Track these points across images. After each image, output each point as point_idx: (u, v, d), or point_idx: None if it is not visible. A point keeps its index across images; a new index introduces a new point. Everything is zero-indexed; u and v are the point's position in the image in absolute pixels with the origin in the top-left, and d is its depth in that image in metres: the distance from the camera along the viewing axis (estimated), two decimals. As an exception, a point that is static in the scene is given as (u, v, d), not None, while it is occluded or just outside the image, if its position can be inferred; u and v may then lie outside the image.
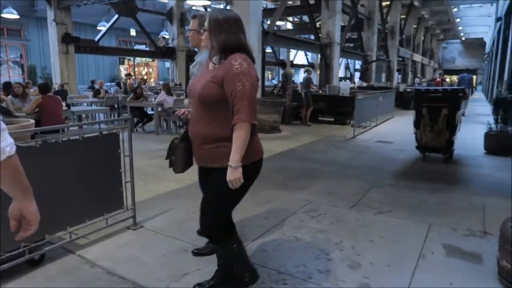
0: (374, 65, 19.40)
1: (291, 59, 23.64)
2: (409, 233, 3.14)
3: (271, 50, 19.47)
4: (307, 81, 9.90)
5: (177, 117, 2.29)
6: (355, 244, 2.91)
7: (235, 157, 1.76)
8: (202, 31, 2.52)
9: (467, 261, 2.65)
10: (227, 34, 1.85)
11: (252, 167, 1.92)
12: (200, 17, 2.62)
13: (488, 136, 6.42)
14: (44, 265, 2.62)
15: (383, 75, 23.06)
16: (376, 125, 9.91)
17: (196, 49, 2.87)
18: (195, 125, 1.96)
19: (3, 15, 11.85)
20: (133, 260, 2.69)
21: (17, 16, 12.72)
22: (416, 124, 5.81)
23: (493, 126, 6.47)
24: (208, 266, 2.51)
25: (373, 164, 5.79)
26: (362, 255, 2.73)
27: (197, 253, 2.76)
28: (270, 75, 27.33)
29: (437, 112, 5.56)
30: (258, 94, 9.46)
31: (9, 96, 6.57)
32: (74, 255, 2.78)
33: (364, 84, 16.52)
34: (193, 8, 15.20)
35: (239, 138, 1.76)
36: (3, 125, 1.06)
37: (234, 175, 1.77)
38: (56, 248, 2.74)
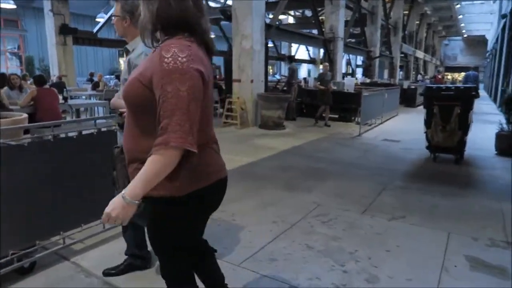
0: (377, 61, 19.15)
1: (292, 53, 23.37)
2: (427, 242, 2.94)
3: (272, 45, 19.20)
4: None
5: (123, 119, 1.67)
6: (371, 254, 2.70)
7: (135, 189, 1.17)
8: (126, 17, 2.11)
9: (493, 276, 2.45)
10: None
11: (196, 196, 1.32)
12: (123, 0, 2.13)
13: (499, 136, 6.21)
14: (35, 274, 2.41)
15: (386, 72, 22.82)
16: (382, 123, 9.70)
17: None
18: (124, 135, 1.42)
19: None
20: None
21: (14, 6, 12.40)
22: (427, 123, 5.59)
23: (505, 126, 6.26)
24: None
25: (381, 164, 5.59)
26: (379, 267, 2.53)
27: None
28: (271, 70, 27.02)
29: (449, 111, 5.34)
30: (261, 89, 9.28)
31: (5, 88, 6.31)
32: (69, 262, 2.58)
33: (368, 81, 16.27)
34: None
35: (152, 167, 1.17)
36: None
37: (119, 212, 1.18)
38: (49, 254, 2.53)
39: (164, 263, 1.52)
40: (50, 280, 2.36)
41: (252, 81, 8.75)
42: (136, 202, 1.18)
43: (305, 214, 3.48)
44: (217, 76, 14.07)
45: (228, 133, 7.73)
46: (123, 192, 1.18)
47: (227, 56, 10.77)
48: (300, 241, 2.91)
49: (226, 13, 10.03)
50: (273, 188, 4.29)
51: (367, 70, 18.73)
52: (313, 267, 2.53)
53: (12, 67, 17.04)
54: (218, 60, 14.19)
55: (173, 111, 1.15)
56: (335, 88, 9.84)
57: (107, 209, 1.20)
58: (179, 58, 1.18)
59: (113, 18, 2.18)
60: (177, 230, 1.39)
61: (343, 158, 5.91)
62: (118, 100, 2.10)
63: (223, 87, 10.83)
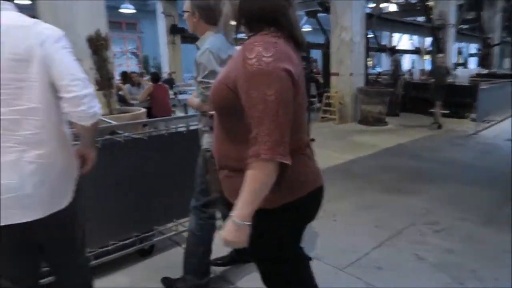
0: (496, 49, 16.76)
1: (394, 44, 21.82)
2: None
3: (372, 35, 18.22)
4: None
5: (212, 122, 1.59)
6: (497, 275, 2.36)
7: (243, 211, 1.08)
8: (196, 12, 1.98)
9: None
10: None
11: (287, 209, 1.22)
12: None
13: None
14: (152, 256, 2.66)
15: (507, 61, 19.83)
16: (502, 120, 8.46)
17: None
18: (214, 140, 1.35)
19: (121, 11, 13.06)
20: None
21: (134, 11, 13.90)
22: None
23: None
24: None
25: (505, 167, 4.84)
26: (510, 291, 2.19)
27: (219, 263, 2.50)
28: (371, 63, 25.63)
29: None
30: (361, 83, 8.84)
31: (127, 85, 7.16)
32: (181, 248, 2.78)
33: (484, 71, 14.34)
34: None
35: (252, 183, 1.07)
36: (92, 90, 1.31)
37: (233, 236, 1.10)
38: (164, 239, 2.77)
39: (260, 272, 1.42)
40: (165, 263, 2.59)
41: (351, 74, 8.41)
42: (248, 223, 1.09)
43: (412, 220, 3.21)
44: (315, 70, 13.86)
45: (326, 129, 7.55)
46: (232, 214, 1.10)
47: (325, 49, 10.52)
48: (408, 250, 2.69)
49: (324, 5, 9.78)
50: (374, 189, 4.06)
51: (484, 60, 16.53)
52: (426, 281, 2.31)
53: (132, 65, 19.26)
54: (316, 53, 13.95)
55: (261, 119, 1.05)
56: (452, 81, 8.77)
57: (223, 234, 1.13)
58: (264, 58, 1.06)
59: (184, 14, 2.10)
60: (265, 243, 1.28)
61: (456, 159, 5.30)
62: (193, 99, 2.11)
63: (321, 81, 10.63)
